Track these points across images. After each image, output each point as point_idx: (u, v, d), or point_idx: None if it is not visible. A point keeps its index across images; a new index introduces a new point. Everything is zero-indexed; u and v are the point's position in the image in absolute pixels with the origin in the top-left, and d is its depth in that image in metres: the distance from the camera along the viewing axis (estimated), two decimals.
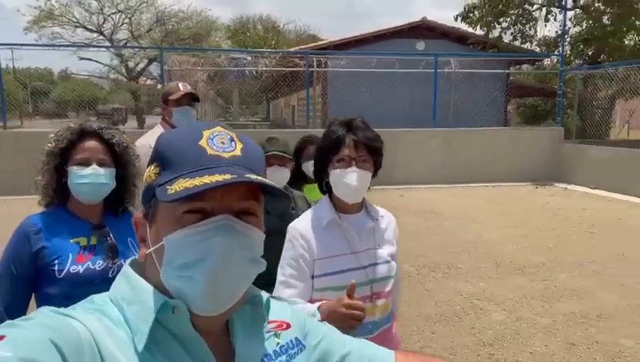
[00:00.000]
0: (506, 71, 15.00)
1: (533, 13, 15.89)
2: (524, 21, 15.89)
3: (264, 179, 0.66)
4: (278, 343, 0.77)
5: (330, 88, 14.10)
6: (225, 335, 0.73)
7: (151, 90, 25.79)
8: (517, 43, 16.12)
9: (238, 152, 0.69)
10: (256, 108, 25.02)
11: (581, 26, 15.80)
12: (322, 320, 1.30)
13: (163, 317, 0.64)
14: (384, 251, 1.60)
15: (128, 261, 0.74)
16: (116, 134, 1.62)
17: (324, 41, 17.31)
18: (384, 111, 12.38)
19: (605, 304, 4.21)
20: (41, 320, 0.58)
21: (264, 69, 13.15)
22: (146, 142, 2.73)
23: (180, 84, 2.85)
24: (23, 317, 0.59)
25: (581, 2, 15.30)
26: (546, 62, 17.69)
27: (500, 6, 15.37)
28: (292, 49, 17.89)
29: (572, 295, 4.43)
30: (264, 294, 0.78)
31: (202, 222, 0.64)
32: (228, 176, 0.62)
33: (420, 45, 15.14)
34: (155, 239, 0.68)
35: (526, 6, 15.58)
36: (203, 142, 0.68)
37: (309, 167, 2.63)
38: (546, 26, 15.77)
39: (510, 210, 8.38)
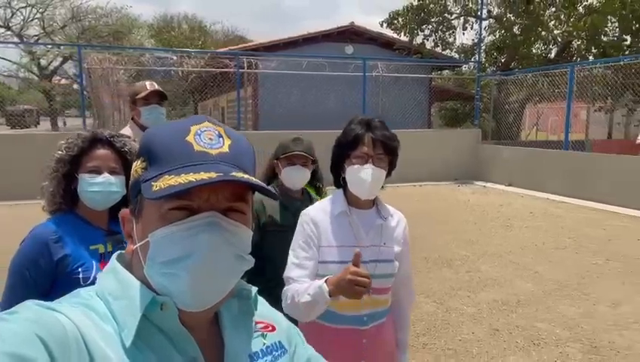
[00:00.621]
0: (429, 76, 15.78)
1: (453, 22, 16.88)
2: (444, 29, 16.82)
3: (250, 178, 0.65)
4: (264, 343, 0.77)
5: (261, 90, 14.03)
6: (213, 329, 0.73)
7: (66, 90, 24.09)
8: (438, 49, 17.03)
9: (225, 149, 0.68)
10: (184, 109, 24.26)
11: (494, 35, 17.00)
12: (330, 292, 1.40)
13: (150, 312, 0.64)
14: (389, 249, 1.64)
15: (115, 255, 0.73)
16: (127, 142, 1.61)
17: (254, 43, 17.17)
18: (315, 113, 12.55)
19: (523, 291, 4.57)
20: (27, 315, 0.57)
21: (193, 69, 12.79)
22: None
23: (147, 83, 2.78)
24: (8, 311, 0.58)
25: (494, 13, 16.48)
26: (464, 68, 18.85)
27: (422, 14, 16.17)
28: (222, 49, 17.58)
29: (494, 284, 4.77)
30: (253, 288, 0.77)
31: (187, 220, 0.63)
32: (213, 175, 0.61)
33: (349, 49, 15.50)
34: (141, 235, 0.67)
35: (446, 15, 16.50)
36: (190, 138, 0.67)
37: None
38: (464, 34, 16.78)
39: (436, 207, 8.84)
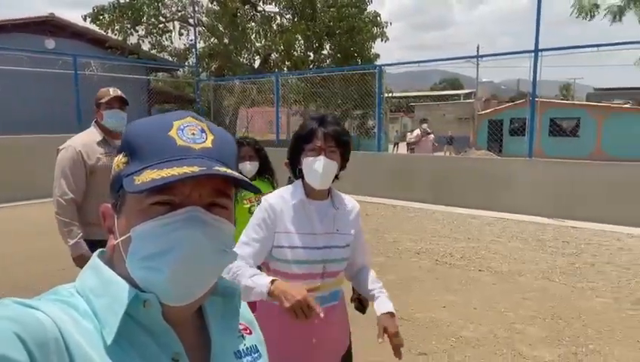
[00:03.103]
0: (147, 77, 15.56)
1: (168, 25, 17.02)
2: (159, 32, 16.80)
3: (233, 172, 0.66)
4: (244, 344, 0.79)
5: None
6: (198, 327, 0.74)
7: None
8: (155, 52, 16.90)
9: (208, 144, 0.68)
10: None
11: (206, 42, 18.03)
12: (271, 294, 1.46)
13: (133, 309, 0.63)
14: (342, 236, 1.79)
15: (96, 252, 0.72)
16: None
17: None
18: (16, 114, 10.72)
19: None
20: (5, 313, 0.55)
21: None
22: (71, 144, 2.88)
23: (111, 89, 3.01)
24: None
25: (205, 22, 17.46)
26: (180, 71, 19.27)
27: (131, 13, 15.72)
28: None
29: None
30: (237, 286, 0.79)
31: (169, 214, 0.64)
32: (196, 169, 0.62)
33: (50, 43, 13.74)
34: (123, 230, 0.66)
35: (160, 18, 16.52)
36: (173, 133, 0.67)
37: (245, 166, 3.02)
38: (180, 38, 17.05)
39: None
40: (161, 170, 0.62)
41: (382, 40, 17.16)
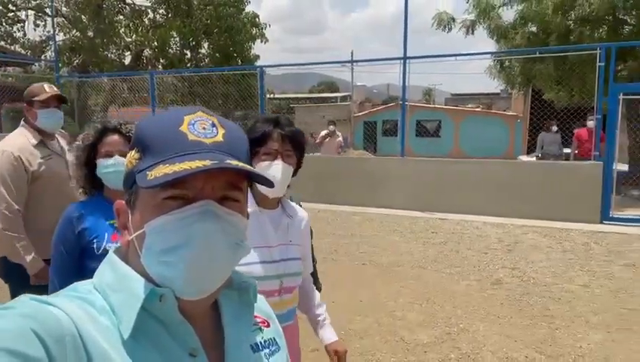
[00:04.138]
0: None
1: (20, 14, 15.05)
2: (9, 22, 14.77)
3: (245, 165, 0.66)
4: (262, 337, 0.80)
5: None
6: (214, 321, 0.74)
7: None
8: (4, 44, 14.82)
9: (219, 138, 0.68)
10: None
11: (66, 35, 16.33)
12: None
13: (149, 304, 0.64)
14: (296, 247, 1.65)
15: (112, 248, 0.72)
16: (132, 128, 1.79)
17: None
18: None
19: None
20: (22, 310, 0.56)
21: None
22: (5, 148, 2.52)
23: (46, 86, 2.68)
24: (4, 305, 0.57)
25: (64, 12, 15.79)
26: (35, 66, 17.17)
27: None
28: None
29: None
30: (252, 281, 0.79)
31: (183, 208, 0.64)
32: (208, 162, 0.62)
33: None
34: (137, 226, 0.67)
35: (10, 6, 14.53)
36: (184, 128, 0.67)
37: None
38: (35, 30, 15.16)
39: None
40: (174, 164, 0.62)
41: (262, 41, 17.19)
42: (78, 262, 1.75)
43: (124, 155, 1.80)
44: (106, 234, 1.76)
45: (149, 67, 16.84)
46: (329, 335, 1.71)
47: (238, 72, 13.22)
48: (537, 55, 9.94)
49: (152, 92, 11.62)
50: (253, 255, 1.54)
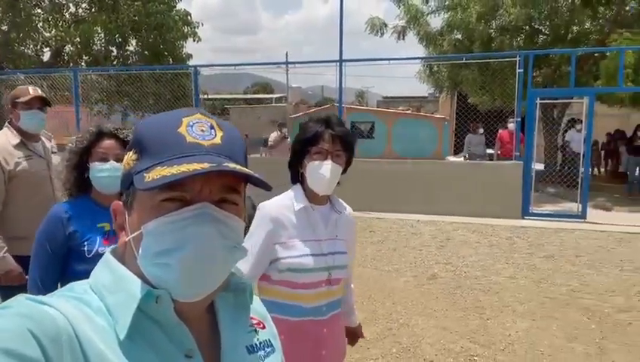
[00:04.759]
0: None
1: None
2: None
3: (243, 168, 0.66)
4: (257, 338, 0.79)
5: None
6: (210, 322, 0.74)
7: None
8: None
9: (217, 140, 0.68)
10: None
11: None
12: None
13: (146, 305, 0.64)
14: (343, 242, 1.73)
15: (109, 249, 0.72)
16: (129, 133, 1.78)
17: None
18: None
19: None
20: (19, 310, 0.56)
21: None
22: None
23: (30, 88, 2.75)
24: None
25: None
26: None
27: None
28: None
29: None
30: (248, 282, 0.79)
31: (180, 211, 0.64)
32: (206, 165, 0.62)
33: None
34: (134, 227, 0.67)
35: None
36: (182, 130, 0.67)
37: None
38: None
39: None
40: (172, 166, 0.62)
41: (194, 40, 16.71)
42: (61, 263, 1.74)
43: (120, 160, 1.75)
44: (98, 238, 1.76)
45: (71, 64, 15.81)
46: (354, 319, 1.98)
47: (171, 71, 12.79)
48: (464, 61, 10.51)
49: (76, 90, 10.93)
50: (303, 247, 1.64)
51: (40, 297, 0.60)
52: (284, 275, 1.63)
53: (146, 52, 16.23)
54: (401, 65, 10.50)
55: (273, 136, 11.34)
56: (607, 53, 9.23)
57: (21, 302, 0.58)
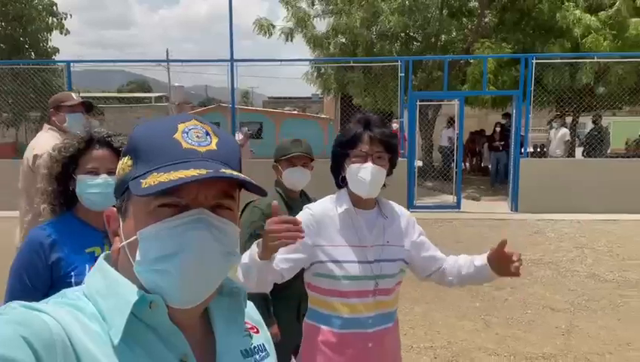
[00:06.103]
0: None
1: None
2: None
3: (239, 174, 0.66)
4: (251, 343, 0.79)
5: None
6: (204, 327, 0.73)
7: None
8: None
9: (213, 146, 0.68)
10: None
11: None
12: (259, 254, 1.28)
13: (139, 311, 0.63)
14: (393, 248, 1.61)
15: (102, 255, 0.72)
16: (124, 140, 1.50)
17: None
18: None
19: None
20: (12, 317, 0.56)
21: None
22: (45, 149, 2.09)
23: (74, 94, 3.18)
24: None
25: None
26: None
27: None
28: None
29: None
30: (242, 286, 0.78)
31: (177, 216, 0.64)
32: (203, 171, 0.62)
33: None
34: (129, 233, 0.66)
35: None
36: (178, 136, 0.66)
37: None
38: None
39: None
40: (168, 172, 0.62)
41: (61, 32, 15.11)
42: (43, 298, 1.35)
43: (112, 173, 1.46)
44: (87, 267, 1.48)
45: None
46: (484, 255, 1.65)
47: (33, 66, 11.44)
48: (349, 64, 11.01)
49: None
50: (346, 253, 1.55)
51: (33, 304, 0.60)
52: (323, 282, 1.56)
53: (3, 45, 14.31)
54: (287, 66, 10.68)
55: (241, 136, 10.80)
56: (471, 61, 10.39)
57: (14, 308, 0.58)
